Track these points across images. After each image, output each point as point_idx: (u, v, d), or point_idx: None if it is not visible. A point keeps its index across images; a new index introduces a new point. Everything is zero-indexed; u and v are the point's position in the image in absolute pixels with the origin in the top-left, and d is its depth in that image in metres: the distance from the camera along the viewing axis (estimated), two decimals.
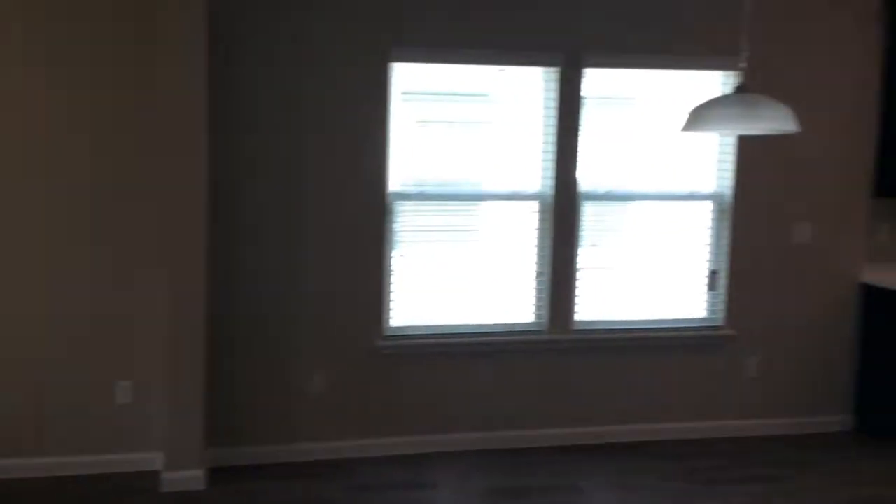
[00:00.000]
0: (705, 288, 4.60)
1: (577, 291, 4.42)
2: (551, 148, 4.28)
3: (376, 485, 3.91)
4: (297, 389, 4.15)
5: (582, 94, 4.26)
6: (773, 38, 4.42)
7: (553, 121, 4.26)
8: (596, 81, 4.30)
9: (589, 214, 4.40)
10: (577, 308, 4.44)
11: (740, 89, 2.86)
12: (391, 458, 4.21)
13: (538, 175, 4.32)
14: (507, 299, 4.40)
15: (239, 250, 4.02)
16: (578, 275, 4.41)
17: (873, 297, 4.64)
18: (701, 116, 2.84)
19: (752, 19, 4.30)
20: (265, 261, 4.05)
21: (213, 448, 3.98)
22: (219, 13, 3.78)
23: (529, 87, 4.28)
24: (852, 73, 4.56)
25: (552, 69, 4.22)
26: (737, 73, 2.91)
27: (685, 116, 2.95)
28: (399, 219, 4.21)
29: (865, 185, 4.65)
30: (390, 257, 4.21)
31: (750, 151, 4.46)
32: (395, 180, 4.18)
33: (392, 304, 4.25)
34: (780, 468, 4.20)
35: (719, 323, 4.61)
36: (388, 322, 4.26)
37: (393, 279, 4.24)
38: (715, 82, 4.39)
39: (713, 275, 4.57)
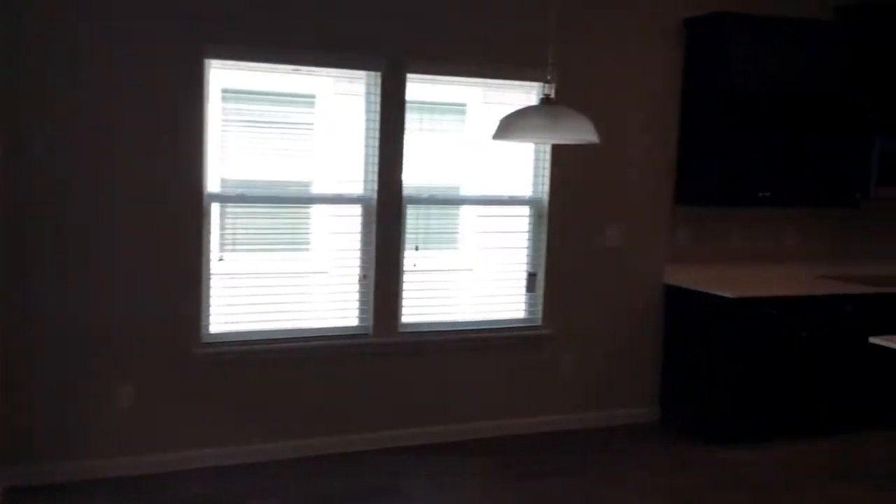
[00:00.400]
0: (524, 289, 4.77)
1: (403, 294, 4.46)
2: (374, 152, 4.29)
3: (184, 499, 3.75)
4: (105, 403, 3.92)
5: (406, 98, 4.31)
6: (586, 52, 4.67)
7: (376, 125, 4.27)
8: (424, 87, 4.36)
9: (414, 217, 4.45)
10: (402, 311, 4.48)
11: (546, 101, 2.99)
12: (207, 469, 4.07)
13: (362, 179, 4.32)
14: (333, 303, 4.38)
15: (37, 256, 3.74)
16: (403, 277, 4.45)
17: (674, 296, 4.99)
18: (509, 126, 2.94)
19: (566, 34, 4.53)
20: (69, 268, 3.80)
21: (11, 466, 3.70)
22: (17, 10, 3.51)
23: (353, 90, 4.27)
24: (658, 88, 4.89)
25: (374, 73, 4.24)
26: (545, 85, 3.03)
27: (495, 125, 3.05)
28: (222, 221, 4.07)
29: (668, 192, 4.99)
30: (209, 262, 4.07)
31: (565, 158, 4.67)
32: (215, 182, 4.05)
33: (211, 311, 4.11)
34: (592, 460, 4.43)
35: (537, 323, 4.81)
36: (206, 329, 4.11)
37: (213, 284, 4.10)
38: (535, 92, 4.57)
39: (531, 277, 4.76)
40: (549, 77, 3.01)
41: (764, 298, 4.63)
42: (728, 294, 4.57)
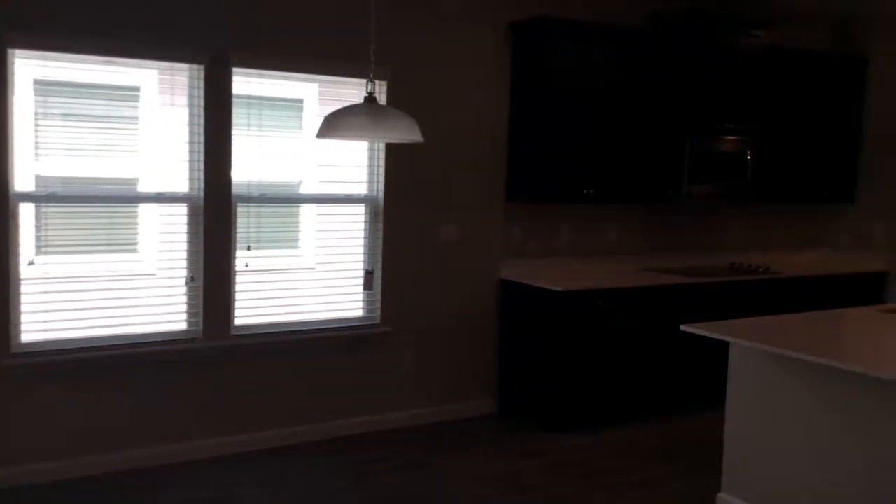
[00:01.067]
0: (362, 287, 4.77)
1: (235, 296, 4.34)
2: (199, 148, 4.15)
3: None
4: None
5: (234, 93, 4.19)
6: (420, 51, 4.74)
7: (200, 120, 4.13)
8: (256, 82, 4.26)
9: (246, 216, 4.34)
10: (235, 313, 4.36)
11: (369, 99, 3.00)
12: (19, 488, 3.79)
13: (187, 176, 4.17)
14: (160, 307, 4.20)
15: None
16: (235, 279, 4.33)
17: (508, 291, 5.15)
18: (332, 124, 2.92)
19: (400, 33, 4.57)
20: None
21: None
22: None
23: (177, 84, 4.11)
24: (489, 88, 5.02)
25: (197, 67, 4.09)
26: (368, 83, 3.03)
27: (320, 123, 3.02)
28: (37, 223, 3.81)
29: (501, 190, 5.14)
30: (17, 266, 3.79)
31: (400, 157, 4.70)
32: (27, 180, 3.78)
33: (23, 318, 3.84)
34: (433, 454, 4.49)
35: (376, 321, 4.82)
36: (17, 338, 3.83)
37: (24, 290, 3.83)
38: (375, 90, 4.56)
39: (368, 275, 4.76)
40: (371, 75, 3.01)
41: (590, 291, 4.86)
42: (556, 287, 4.76)
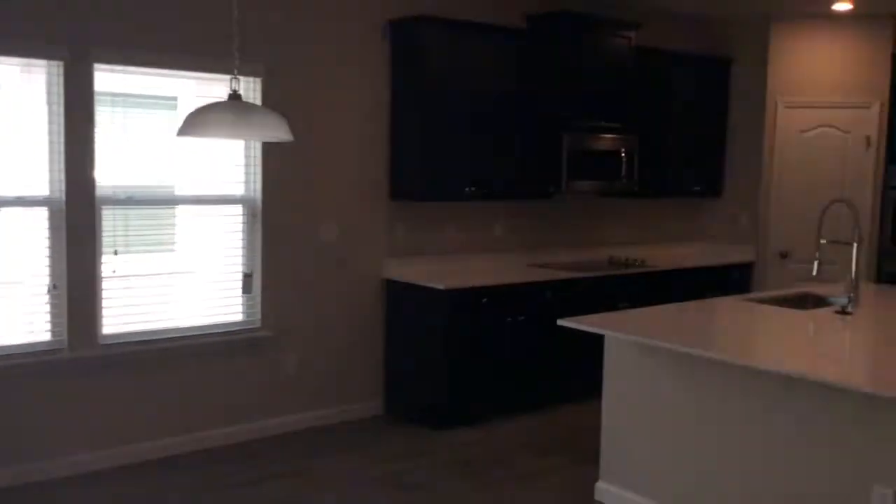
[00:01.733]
0: (241, 291, 4.64)
1: (103, 303, 4.14)
2: (60, 149, 3.94)
3: None
4: None
5: (97, 90, 4.00)
6: (298, 48, 4.66)
7: (60, 119, 3.92)
8: (123, 78, 4.08)
9: (112, 219, 4.15)
10: (103, 321, 4.16)
11: (234, 96, 2.91)
12: None
13: (47, 178, 3.95)
14: (21, 317, 3.95)
15: None
16: (102, 285, 4.13)
17: (393, 290, 5.13)
18: (193, 122, 2.82)
19: (276, 31, 4.47)
20: None
21: None
22: None
23: (35, 80, 3.88)
24: (369, 86, 4.98)
25: (56, 63, 3.88)
26: (232, 80, 2.94)
27: (182, 121, 2.91)
28: None
29: (383, 188, 5.11)
30: None
31: (278, 156, 4.61)
32: None
33: None
34: (318, 458, 4.41)
35: (256, 325, 4.70)
36: None
37: None
38: (249, 87, 4.46)
39: (247, 277, 4.64)
40: (235, 72, 2.92)
41: (474, 288, 4.89)
42: (440, 286, 4.77)
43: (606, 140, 5.68)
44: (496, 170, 5.22)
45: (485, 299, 4.93)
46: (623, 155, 5.74)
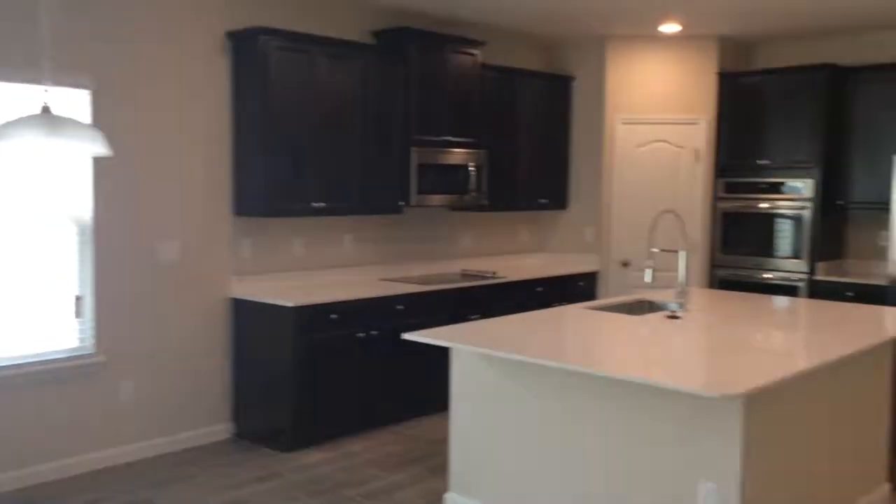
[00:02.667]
0: (73, 315, 4.36)
1: None
2: None
3: None
4: None
5: None
6: (132, 60, 4.45)
7: None
8: None
9: None
10: None
11: (45, 110, 2.73)
12: None
13: None
14: None
15: None
16: None
17: (240, 310, 4.97)
18: (1, 134, 2.62)
19: (111, 43, 4.25)
20: None
21: None
22: None
23: None
24: (208, 99, 4.82)
25: None
26: (45, 92, 2.76)
27: None
28: None
29: (226, 204, 4.95)
30: None
31: (111, 173, 4.38)
32: None
33: None
34: (160, 488, 4.20)
35: (89, 350, 4.43)
36: None
37: None
38: (75, 100, 4.21)
39: (78, 301, 4.36)
40: (46, 84, 2.74)
41: (323, 304, 4.81)
42: (288, 303, 4.67)
43: (455, 154, 5.76)
44: (344, 184, 5.18)
45: (334, 315, 4.87)
46: (472, 169, 5.83)
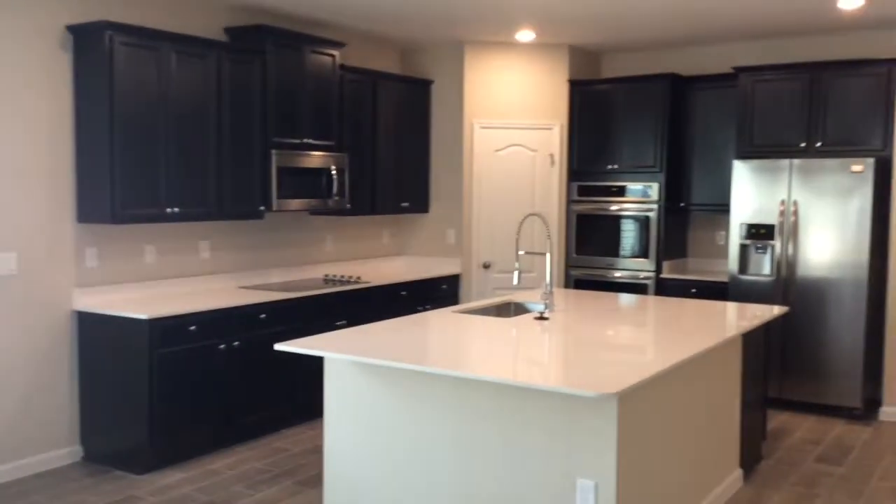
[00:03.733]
0: None
1: None
2: None
3: None
4: None
5: None
6: None
7: None
8: None
9: None
10: None
11: None
12: None
13: None
14: None
15: None
16: None
17: (86, 323, 4.62)
18: None
19: None
20: None
21: None
22: None
23: None
24: (46, 99, 4.44)
25: None
26: None
27: None
28: None
29: (69, 212, 4.59)
30: None
31: None
32: None
33: None
34: None
35: None
36: None
37: None
38: None
39: None
40: None
41: (180, 316, 4.55)
42: (141, 315, 4.38)
43: (317, 158, 5.62)
44: (200, 188, 4.93)
45: (193, 327, 4.61)
46: (334, 173, 5.72)
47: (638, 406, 3.16)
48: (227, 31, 5.35)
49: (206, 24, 5.23)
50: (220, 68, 5.01)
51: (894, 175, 5.49)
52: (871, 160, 5.41)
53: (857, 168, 5.43)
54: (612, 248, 6.72)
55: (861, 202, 5.44)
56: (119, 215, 4.51)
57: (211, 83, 4.96)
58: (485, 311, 4.56)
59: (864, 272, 5.47)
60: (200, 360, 4.68)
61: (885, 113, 5.54)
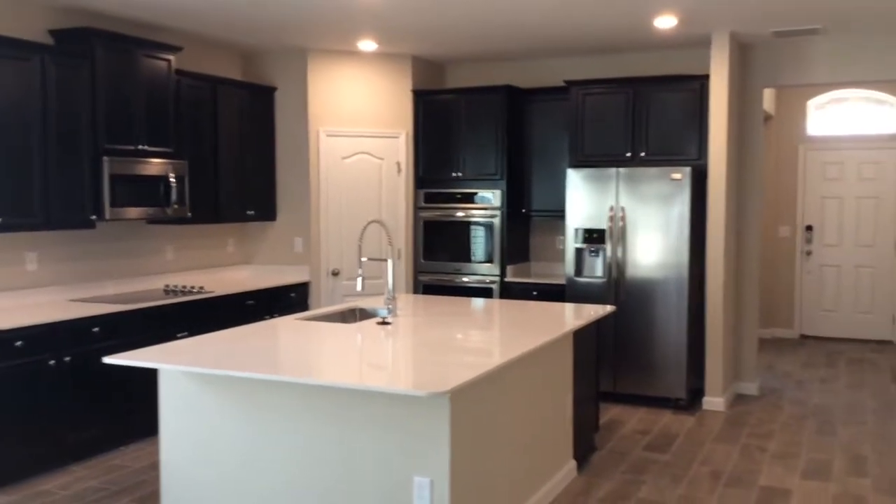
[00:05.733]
0: None
1: None
2: None
3: None
4: None
5: None
6: None
7: None
8: None
9: None
10: None
11: None
12: None
13: None
14: None
15: None
16: None
17: None
18: None
19: None
20: None
21: None
22: None
23: None
24: None
25: None
26: None
27: None
28: None
29: None
30: None
31: None
32: None
33: None
34: None
35: None
36: None
37: None
38: None
39: None
40: None
41: (5, 331, 4.30)
42: None
43: (153, 165, 5.46)
44: (25, 197, 4.68)
45: (19, 342, 4.37)
46: (173, 180, 5.57)
47: (471, 404, 3.30)
48: (52, 33, 5.11)
49: (29, 25, 4.97)
50: (45, 72, 4.78)
51: (709, 182, 5.97)
52: (688, 168, 5.86)
53: (676, 176, 5.87)
54: (459, 253, 6.91)
55: (681, 207, 5.88)
56: None
57: (35, 87, 4.72)
58: (329, 318, 4.59)
59: (685, 272, 5.91)
60: (28, 377, 4.43)
61: (699, 125, 6.02)
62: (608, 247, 6.12)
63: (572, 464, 4.56)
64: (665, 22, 5.51)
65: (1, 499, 4.21)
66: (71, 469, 4.65)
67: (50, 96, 4.81)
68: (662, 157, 6.14)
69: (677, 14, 5.34)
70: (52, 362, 4.56)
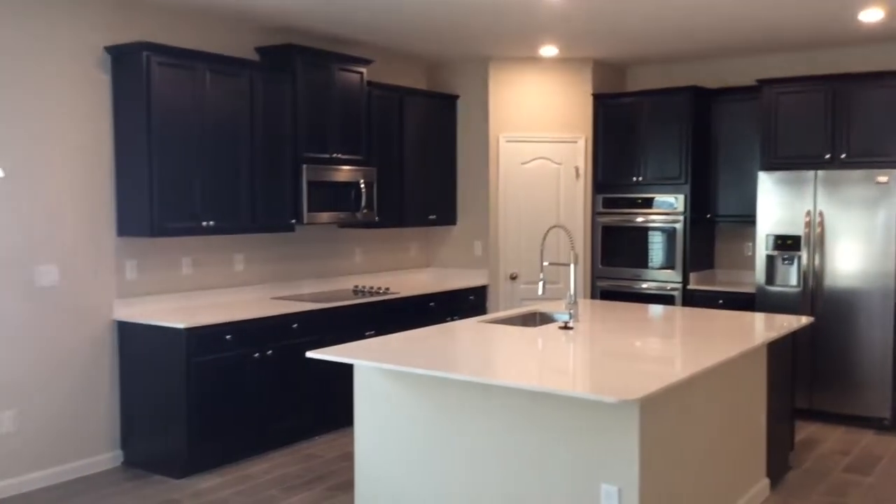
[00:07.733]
0: None
1: None
2: None
3: None
4: None
5: None
6: (2, 75, 4.21)
7: None
8: None
9: None
10: None
11: None
12: None
13: None
14: None
15: None
16: None
17: (127, 333, 4.78)
18: None
19: None
20: None
21: None
22: None
23: None
24: (86, 117, 4.63)
25: None
26: None
27: None
28: None
29: (109, 225, 4.76)
30: None
31: None
32: None
33: None
34: None
35: None
36: None
37: None
38: None
39: None
40: None
41: (216, 325, 4.70)
42: (178, 325, 4.53)
43: (346, 172, 5.76)
44: (234, 203, 5.09)
45: (228, 336, 4.76)
46: (363, 186, 5.86)
47: (661, 413, 3.23)
48: (259, 50, 5.52)
49: (239, 43, 5.41)
50: (253, 86, 5.18)
51: None
52: (895, 171, 5.42)
53: (882, 179, 5.46)
54: (639, 259, 6.77)
55: (887, 213, 5.45)
56: (157, 228, 4.68)
57: (244, 101, 5.13)
58: (510, 321, 4.65)
59: (891, 282, 5.47)
60: (235, 369, 4.82)
61: None
62: (804, 254, 5.78)
63: (765, 482, 4.35)
64: (871, 15, 5.14)
65: (214, 480, 4.60)
66: (272, 455, 5.00)
67: (257, 109, 5.21)
68: (866, 158, 5.72)
69: (885, 7, 4.96)
70: (256, 355, 4.93)
